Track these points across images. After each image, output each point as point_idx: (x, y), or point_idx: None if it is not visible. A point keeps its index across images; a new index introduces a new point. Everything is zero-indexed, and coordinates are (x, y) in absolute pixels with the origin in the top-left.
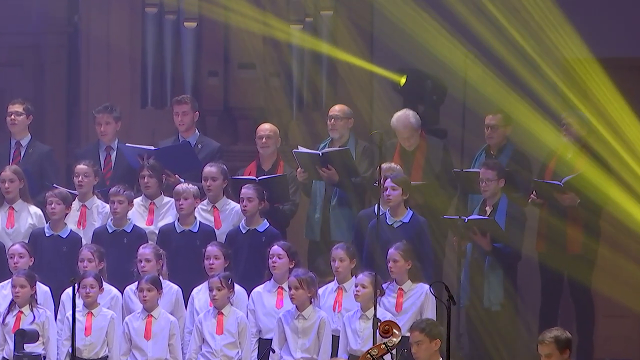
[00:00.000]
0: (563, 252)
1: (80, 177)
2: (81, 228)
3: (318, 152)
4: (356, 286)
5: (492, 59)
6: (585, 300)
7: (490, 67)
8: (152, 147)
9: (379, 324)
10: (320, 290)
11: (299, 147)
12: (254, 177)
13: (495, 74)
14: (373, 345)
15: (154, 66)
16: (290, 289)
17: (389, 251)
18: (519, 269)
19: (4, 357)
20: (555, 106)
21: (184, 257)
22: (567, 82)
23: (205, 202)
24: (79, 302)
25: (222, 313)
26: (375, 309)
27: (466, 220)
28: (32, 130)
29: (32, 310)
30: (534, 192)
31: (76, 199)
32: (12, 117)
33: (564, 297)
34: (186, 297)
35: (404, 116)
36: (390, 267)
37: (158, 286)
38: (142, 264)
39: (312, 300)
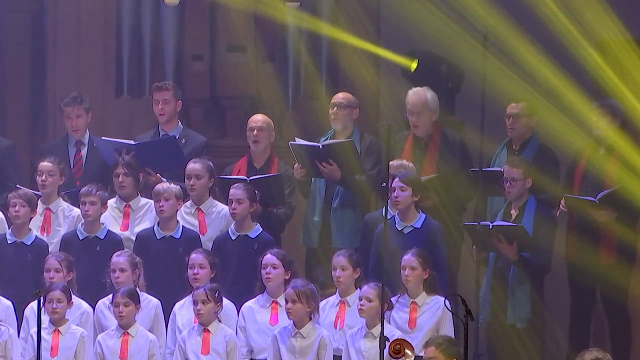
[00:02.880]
0: (596, 261)
1: (44, 176)
2: (45, 234)
3: (318, 144)
4: (360, 299)
5: (515, 41)
6: (620, 316)
7: (512, 50)
8: (132, 142)
9: (388, 342)
10: (319, 305)
11: (296, 139)
12: (245, 177)
13: (519, 58)
14: None
15: (130, 49)
16: (287, 302)
17: (405, 257)
18: (546, 280)
19: None
20: (587, 95)
21: (164, 267)
22: (599, 67)
23: (188, 203)
24: (45, 318)
25: (208, 330)
26: (382, 325)
27: (490, 227)
28: None
29: None
30: (563, 203)
31: (39, 201)
32: None
33: (597, 312)
34: (167, 311)
35: (422, 91)
36: (406, 275)
37: (135, 300)
38: (116, 275)
39: (312, 316)
